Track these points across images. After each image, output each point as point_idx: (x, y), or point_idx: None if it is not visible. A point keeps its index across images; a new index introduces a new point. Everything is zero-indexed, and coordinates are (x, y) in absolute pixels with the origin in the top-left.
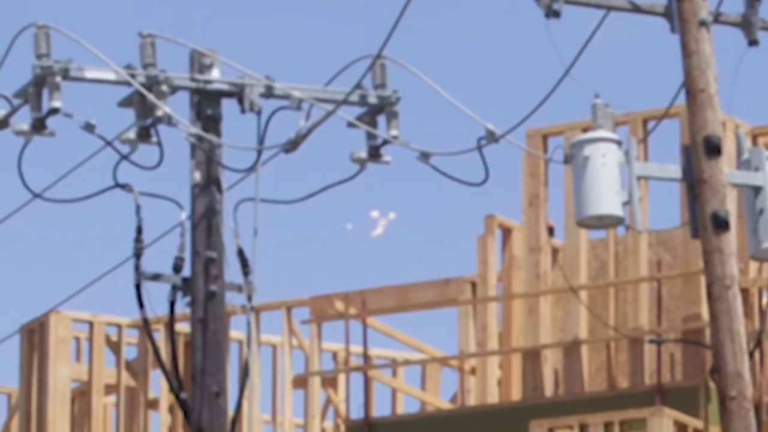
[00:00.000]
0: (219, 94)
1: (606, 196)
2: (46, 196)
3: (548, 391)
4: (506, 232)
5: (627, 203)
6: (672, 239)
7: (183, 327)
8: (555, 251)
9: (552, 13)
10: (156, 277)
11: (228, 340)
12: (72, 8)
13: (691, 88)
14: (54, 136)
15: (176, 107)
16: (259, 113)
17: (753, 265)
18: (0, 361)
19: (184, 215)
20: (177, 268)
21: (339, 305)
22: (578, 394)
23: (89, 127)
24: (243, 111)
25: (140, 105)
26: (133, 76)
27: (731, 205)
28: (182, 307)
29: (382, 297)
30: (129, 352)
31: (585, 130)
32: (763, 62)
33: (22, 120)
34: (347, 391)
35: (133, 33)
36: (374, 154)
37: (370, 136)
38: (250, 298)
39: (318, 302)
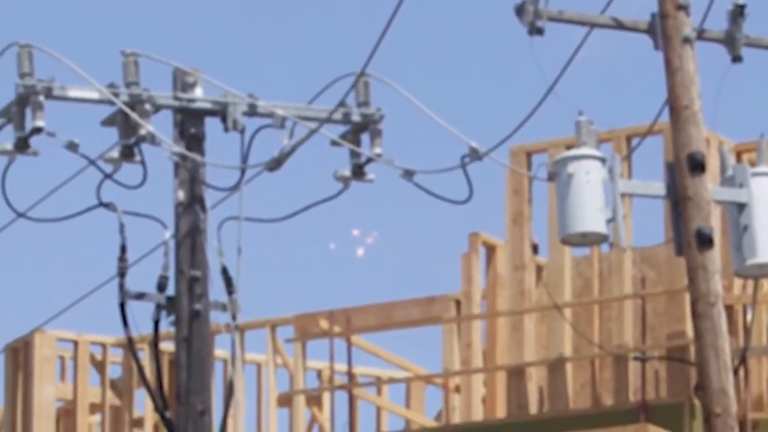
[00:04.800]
0: (202, 113)
1: (590, 213)
2: (29, 216)
3: (533, 408)
4: (490, 250)
5: (611, 220)
6: (656, 256)
7: (167, 346)
8: (539, 269)
9: (535, 30)
10: (140, 296)
11: (212, 359)
12: (55, 27)
13: (675, 105)
14: (37, 155)
15: (159, 126)
16: (242, 132)
17: (737, 282)
18: None
19: (167, 234)
20: (161, 287)
21: (323, 324)
22: (563, 412)
23: (72, 147)
24: (226, 129)
25: (123, 124)
26: (116, 95)
27: (715, 222)
28: (167, 326)
29: (367, 315)
30: (114, 372)
31: (569, 147)
32: (747, 78)
33: (5, 139)
34: (332, 409)
35: (115, 52)
36: (358, 172)
37: (354, 155)
38: (234, 317)
39: (302, 321)
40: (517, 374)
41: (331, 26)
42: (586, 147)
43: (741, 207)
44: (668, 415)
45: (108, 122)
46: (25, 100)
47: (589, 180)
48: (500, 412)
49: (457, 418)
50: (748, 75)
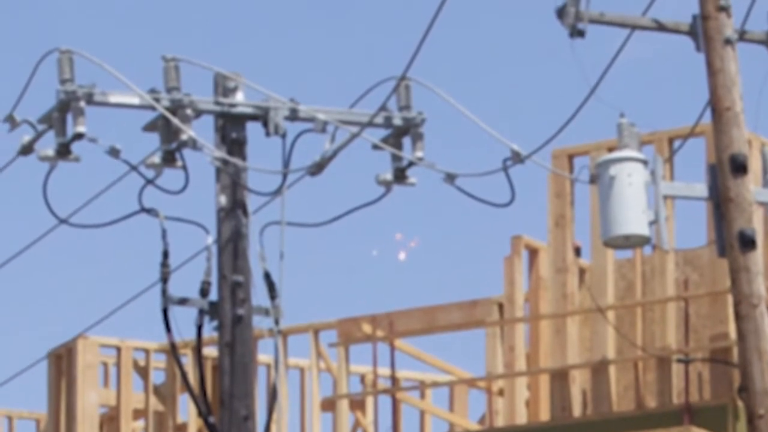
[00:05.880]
0: (243, 118)
1: (632, 215)
2: (71, 222)
3: (576, 411)
4: (533, 253)
5: (653, 223)
6: (699, 258)
7: (210, 351)
8: (582, 271)
9: (576, 33)
10: (183, 301)
11: (256, 364)
12: (95, 33)
13: (717, 107)
14: (79, 161)
15: (201, 131)
16: (283, 136)
17: None
18: (28, 386)
19: (210, 239)
20: (204, 292)
21: (366, 328)
22: (606, 414)
23: (114, 152)
24: (268, 134)
25: (165, 129)
26: (157, 100)
27: (758, 224)
28: (209, 332)
29: (410, 319)
30: (157, 377)
31: (611, 149)
32: None
33: (47, 145)
34: (375, 413)
35: (156, 57)
36: (400, 176)
37: (396, 158)
38: (277, 322)
39: (345, 325)
40: (560, 377)
41: (372, 30)
42: (628, 149)
43: None
44: (712, 417)
45: (149, 127)
46: (66, 106)
47: (631, 182)
48: (544, 415)
49: (500, 422)
50: None
